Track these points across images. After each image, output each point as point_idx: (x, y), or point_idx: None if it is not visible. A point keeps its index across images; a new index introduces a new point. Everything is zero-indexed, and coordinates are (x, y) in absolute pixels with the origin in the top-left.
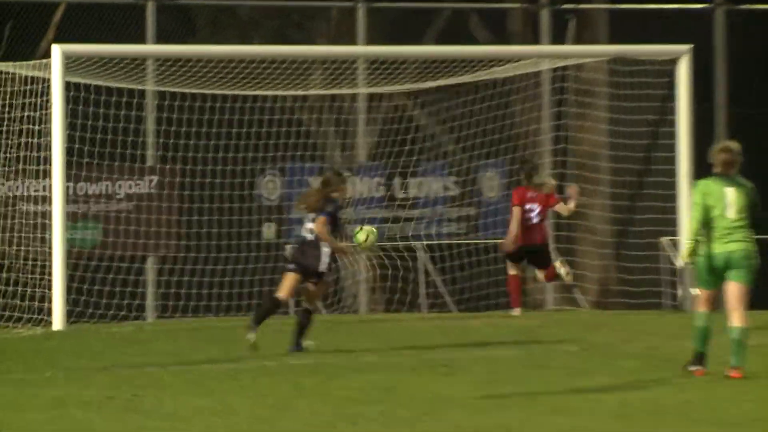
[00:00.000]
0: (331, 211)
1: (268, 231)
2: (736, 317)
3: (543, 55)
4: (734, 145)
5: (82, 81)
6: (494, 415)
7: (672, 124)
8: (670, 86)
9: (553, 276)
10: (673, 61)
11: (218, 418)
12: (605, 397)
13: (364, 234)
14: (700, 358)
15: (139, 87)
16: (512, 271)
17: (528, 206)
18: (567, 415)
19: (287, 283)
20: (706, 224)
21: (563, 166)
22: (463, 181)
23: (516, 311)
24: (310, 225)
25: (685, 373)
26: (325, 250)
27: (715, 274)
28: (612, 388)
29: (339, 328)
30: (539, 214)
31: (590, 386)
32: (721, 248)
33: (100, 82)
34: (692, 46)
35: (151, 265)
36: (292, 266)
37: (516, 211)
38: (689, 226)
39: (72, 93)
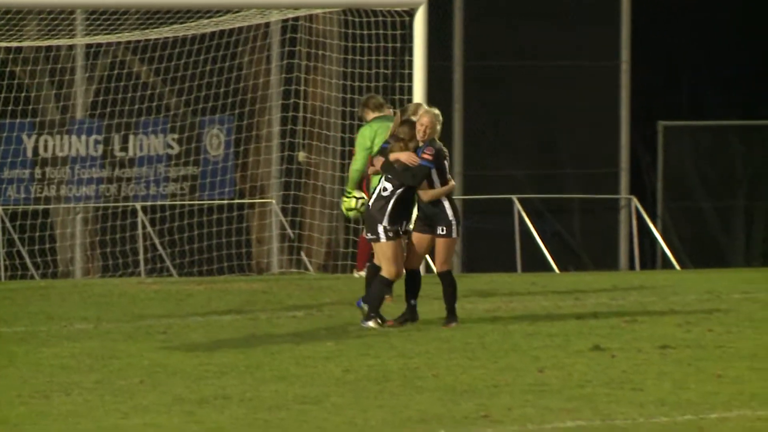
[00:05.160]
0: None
1: None
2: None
3: (271, 5)
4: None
5: None
6: (214, 383)
7: (408, 79)
8: (406, 39)
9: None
10: (408, 13)
11: None
12: (330, 364)
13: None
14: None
15: None
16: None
17: None
18: (290, 382)
19: None
20: None
21: (293, 122)
22: (186, 137)
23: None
24: None
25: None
26: None
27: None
28: (337, 354)
29: (51, 293)
30: None
31: (315, 353)
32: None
33: None
34: None
35: None
36: None
37: None
38: None
39: None
